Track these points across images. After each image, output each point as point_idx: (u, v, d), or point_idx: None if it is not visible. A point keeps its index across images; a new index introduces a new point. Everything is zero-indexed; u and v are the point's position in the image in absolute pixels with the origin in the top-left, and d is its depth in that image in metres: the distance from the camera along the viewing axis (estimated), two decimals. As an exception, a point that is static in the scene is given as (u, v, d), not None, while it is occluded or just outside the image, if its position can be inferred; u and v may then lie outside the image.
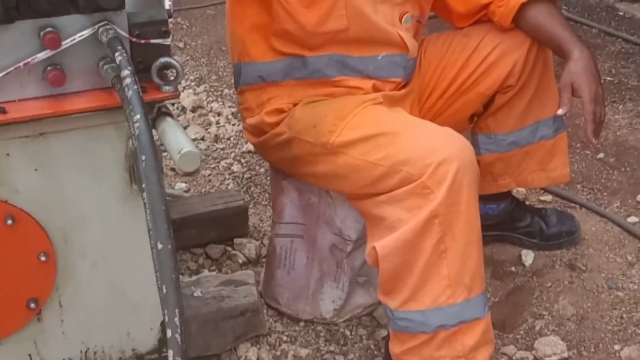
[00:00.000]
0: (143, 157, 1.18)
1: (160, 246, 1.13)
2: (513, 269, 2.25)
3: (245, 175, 2.78)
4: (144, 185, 1.17)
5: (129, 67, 1.26)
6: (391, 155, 1.64)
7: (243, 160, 2.89)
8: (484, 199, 2.12)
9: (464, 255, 1.62)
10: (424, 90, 1.98)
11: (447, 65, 1.96)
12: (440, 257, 1.60)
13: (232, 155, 2.92)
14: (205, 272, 2.23)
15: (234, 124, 3.16)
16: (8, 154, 1.38)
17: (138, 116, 1.20)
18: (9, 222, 1.40)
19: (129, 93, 1.23)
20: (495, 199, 2.20)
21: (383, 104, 1.80)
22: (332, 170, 1.74)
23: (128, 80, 1.24)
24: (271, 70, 1.84)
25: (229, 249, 2.34)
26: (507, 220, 2.26)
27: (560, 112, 1.79)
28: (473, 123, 2.10)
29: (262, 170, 2.81)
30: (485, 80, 1.94)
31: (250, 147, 2.96)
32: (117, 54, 1.28)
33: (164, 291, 1.10)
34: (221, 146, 3.00)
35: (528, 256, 2.25)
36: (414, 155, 1.61)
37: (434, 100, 1.98)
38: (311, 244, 1.99)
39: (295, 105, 1.83)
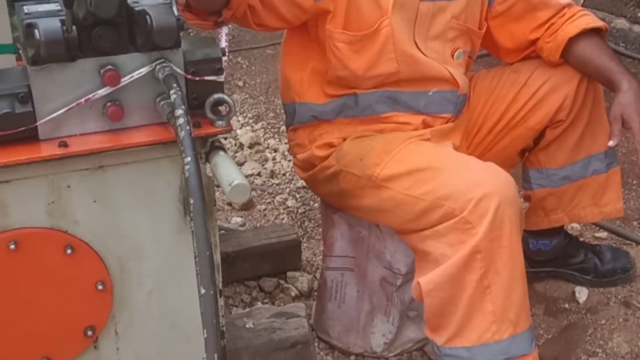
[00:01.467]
0: (192, 200, 1.22)
1: (203, 291, 1.17)
2: (566, 305, 2.23)
3: (300, 210, 2.82)
4: (192, 229, 1.21)
5: (183, 106, 1.31)
6: (433, 190, 1.66)
7: (298, 196, 2.93)
8: (536, 234, 2.13)
9: (508, 290, 1.61)
10: (473, 125, 2.00)
11: (496, 100, 1.98)
12: (484, 293, 1.61)
13: (287, 190, 2.97)
14: (259, 305, 2.27)
15: (289, 160, 3.22)
16: (69, 186, 1.44)
17: (189, 158, 1.25)
18: (69, 251, 1.46)
19: (182, 134, 1.28)
20: (548, 234, 2.19)
21: (431, 140, 1.83)
22: (377, 205, 1.77)
23: (181, 121, 1.29)
24: (325, 110, 1.89)
25: (282, 282, 2.38)
26: (560, 257, 2.25)
27: (611, 143, 1.79)
28: (524, 158, 2.10)
29: (315, 205, 2.84)
30: (535, 115, 1.95)
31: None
32: (172, 92, 1.34)
33: (205, 335, 1.14)
34: (277, 182, 3.05)
35: (582, 293, 2.23)
36: (455, 190, 1.62)
37: (483, 135, 2.00)
38: (362, 277, 2.01)
39: (344, 139, 1.87)
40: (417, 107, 1.88)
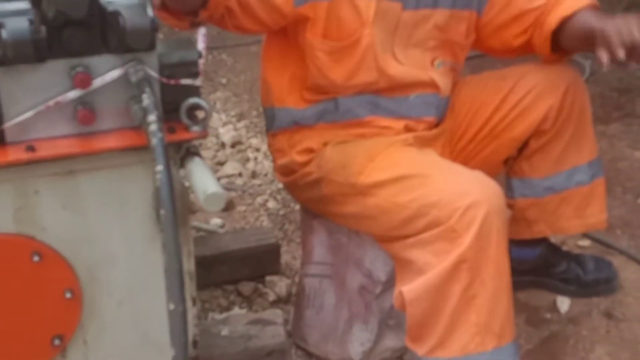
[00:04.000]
0: (162, 212, 1.18)
1: (172, 307, 1.13)
2: (548, 315, 2.20)
3: (280, 212, 2.78)
4: (162, 240, 1.17)
5: (155, 112, 1.27)
6: (420, 197, 1.62)
7: (279, 197, 2.89)
8: (519, 243, 2.09)
9: (493, 301, 1.58)
10: (456, 132, 1.97)
11: (480, 107, 1.95)
12: (469, 303, 1.57)
13: (268, 191, 2.92)
14: (236, 310, 2.23)
15: (271, 160, 3.17)
16: (37, 191, 1.39)
17: (161, 167, 1.21)
18: (36, 258, 1.41)
19: (154, 141, 1.23)
20: (531, 243, 2.16)
21: (414, 146, 1.79)
22: (361, 212, 1.73)
23: (153, 127, 1.25)
24: (305, 115, 1.86)
25: (260, 286, 2.33)
26: (542, 266, 2.22)
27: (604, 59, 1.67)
28: (508, 167, 2.07)
29: (297, 207, 2.80)
30: (519, 124, 1.92)
31: (287, 184, 2.97)
32: (144, 96, 1.29)
33: (173, 353, 1.10)
34: (258, 182, 3.01)
35: (564, 303, 2.20)
36: (442, 198, 1.59)
37: (466, 142, 1.96)
38: (340, 285, 1.97)
39: (325, 145, 1.83)
40: (399, 111, 1.85)
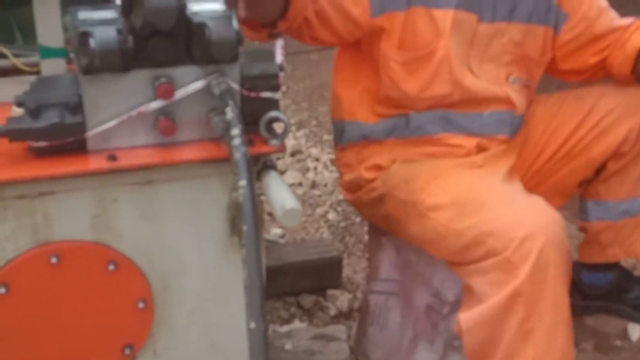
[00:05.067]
0: (245, 227, 1.16)
1: (253, 325, 1.11)
2: (618, 342, 2.13)
3: (341, 225, 2.76)
4: (244, 257, 1.15)
5: (239, 126, 1.25)
6: (476, 224, 1.58)
7: (339, 209, 2.87)
8: (590, 267, 2.05)
9: (551, 336, 1.53)
10: (532, 152, 1.92)
11: (557, 128, 1.90)
12: (525, 337, 1.53)
13: (329, 203, 2.91)
14: (296, 323, 2.21)
15: (331, 171, 3.16)
16: (115, 200, 1.39)
17: (244, 182, 1.19)
18: (111, 267, 1.41)
19: (237, 155, 1.22)
20: (603, 268, 2.10)
21: (484, 167, 1.75)
22: (422, 234, 1.71)
23: (237, 141, 1.23)
24: (375, 130, 1.83)
25: (321, 299, 2.31)
26: (614, 291, 2.15)
27: None
28: (582, 188, 2.02)
29: (357, 220, 2.78)
30: (597, 145, 1.87)
31: (347, 195, 2.94)
32: (228, 109, 1.28)
33: None
34: (317, 193, 2.99)
35: (635, 330, 2.14)
36: (499, 227, 1.55)
37: (541, 164, 1.92)
38: (407, 303, 1.94)
39: (393, 162, 1.80)
40: (471, 128, 1.81)
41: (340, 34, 1.72)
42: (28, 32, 1.81)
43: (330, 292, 2.31)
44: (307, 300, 2.28)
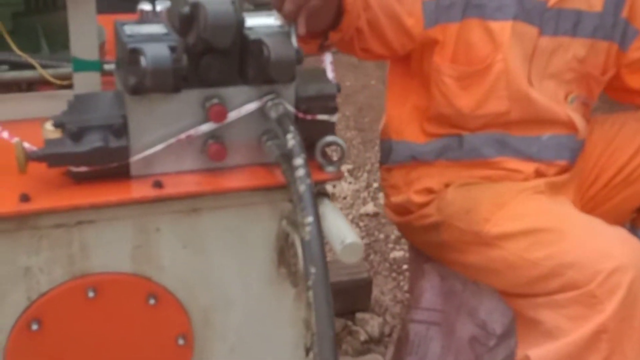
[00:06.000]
0: (313, 270, 1.06)
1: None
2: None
3: (364, 241, 2.66)
4: (311, 301, 1.05)
5: (302, 155, 1.15)
6: (554, 255, 1.48)
7: (361, 224, 2.77)
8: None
9: None
10: (588, 176, 1.81)
11: (615, 151, 1.79)
12: None
13: (350, 217, 2.80)
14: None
15: (350, 182, 3.06)
16: (158, 229, 1.28)
17: (310, 218, 1.08)
18: (151, 301, 1.30)
19: (302, 188, 1.11)
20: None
21: (545, 194, 1.65)
22: (484, 263, 1.60)
23: (301, 172, 1.12)
24: (425, 150, 1.72)
25: (350, 323, 2.21)
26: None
27: None
28: (634, 215, 1.91)
29: (381, 236, 2.68)
30: (658, 171, 1.77)
31: (369, 209, 2.84)
32: (289, 136, 1.17)
33: None
34: (338, 206, 2.88)
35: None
36: (581, 259, 1.45)
37: (598, 189, 1.81)
38: (449, 334, 1.83)
39: (446, 185, 1.70)
40: (529, 152, 1.70)
41: (392, 46, 1.61)
42: (54, 40, 1.70)
43: (359, 315, 2.21)
44: (336, 324, 2.17)
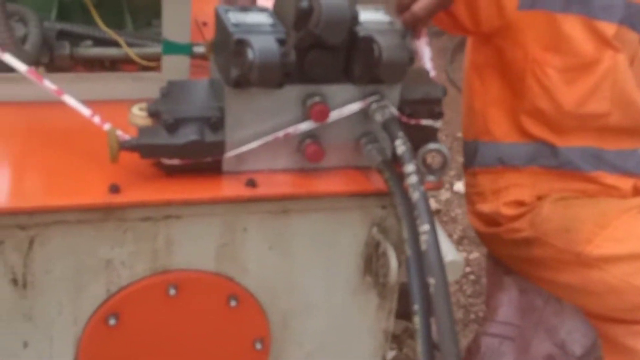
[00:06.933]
0: (433, 281, 0.98)
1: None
2: None
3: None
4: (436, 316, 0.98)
5: (413, 161, 1.07)
6: None
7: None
8: None
9: None
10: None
11: None
12: None
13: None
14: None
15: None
16: (245, 229, 1.21)
17: (427, 227, 1.01)
18: (233, 303, 1.24)
19: (415, 195, 1.04)
20: None
21: None
22: (581, 284, 1.51)
23: (414, 180, 1.05)
24: (514, 153, 1.61)
25: (411, 325, 2.13)
26: None
27: None
28: None
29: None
30: None
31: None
32: (398, 142, 1.09)
33: None
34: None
35: None
36: None
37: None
38: (523, 350, 1.75)
39: (539, 198, 1.60)
40: (626, 167, 1.60)
41: (479, 15, 1.47)
42: (138, 17, 1.63)
43: (422, 318, 2.13)
44: (397, 326, 2.11)
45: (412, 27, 1.22)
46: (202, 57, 1.47)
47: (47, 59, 1.39)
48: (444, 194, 2.95)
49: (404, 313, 2.13)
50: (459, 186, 2.92)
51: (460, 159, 1.75)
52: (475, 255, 2.46)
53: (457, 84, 3.77)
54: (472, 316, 2.20)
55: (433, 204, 2.81)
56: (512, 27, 1.51)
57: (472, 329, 2.15)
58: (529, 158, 1.61)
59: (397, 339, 2.09)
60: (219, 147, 1.14)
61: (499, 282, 1.75)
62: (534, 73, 1.53)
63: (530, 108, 1.57)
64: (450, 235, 2.62)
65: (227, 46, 1.11)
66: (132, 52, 1.45)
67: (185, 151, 1.12)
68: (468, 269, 2.44)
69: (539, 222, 1.56)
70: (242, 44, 1.07)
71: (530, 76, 1.54)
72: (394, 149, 1.12)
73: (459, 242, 2.58)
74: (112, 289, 1.18)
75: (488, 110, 1.64)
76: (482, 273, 2.37)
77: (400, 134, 1.10)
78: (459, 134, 3.30)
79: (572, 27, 1.49)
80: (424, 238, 1.00)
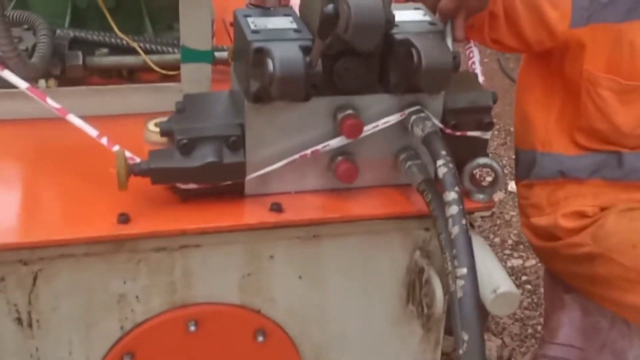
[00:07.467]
0: (465, 337, 0.84)
1: None
2: None
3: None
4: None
5: (457, 189, 0.93)
6: None
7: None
8: None
9: None
10: None
11: None
12: None
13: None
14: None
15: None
16: (272, 257, 1.09)
17: (464, 270, 0.87)
18: (260, 338, 1.12)
19: (455, 230, 0.90)
20: None
21: None
22: (651, 306, 1.36)
23: (454, 210, 0.91)
24: (576, 165, 1.46)
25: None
26: None
27: None
28: None
29: (497, 240, 2.44)
30: None
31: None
32: (439, 162, 0.96)
33: None
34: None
35: None
36: None
37: None
38: (586, 375, 1.60)
39: (602, 209, 1.44)
40: None
41: (527, 40, 1.38)
42: (159, 20, 1.52)
43: (475, 335, 1.99)
44: (447, 343, 1.96)
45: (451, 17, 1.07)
46: (227, 62, 1.36)
47: (59, 70, 1.29)
48: (497, 195, 2.79)
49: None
50: (514, 186, 2.76)
51: (514, 155, 1.64)
52: (531, 262, 2.31)
53: (511, 74, 3.59)
54: (530, 330, 2.05)
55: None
56: (569, 45, 1.38)
57: (530, 345, 2.00)
58: (593, 170, 1.47)
59: (448, 357, 1.94)
60: (240, 169, 1.02)
61: (558, 300, 1.60)
62: (588, 93, 1.40)
63: (585, 127, 1.43)
64: (504, 241, 2.47)
65: (246, 55, 0.98)
66: (150, 61, 1.34)
67: (201, 175, 1.00)
68: (524, 278, 2.29)
69: (603, 235, 1.40)
70: (261, 54, 0.95)
71: (585, 95, 1.41)
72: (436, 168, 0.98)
73: (513, 248, 2.42)
74: (127, 325, 1.08)
75: (550, 121, 1.49)
76: (539, 282, 2.22)
77: (443, 152, 0.96)
78: (512, 128, 3.13)
79: (638, 37, 1.35)
80: (460, 284, 0.86)
